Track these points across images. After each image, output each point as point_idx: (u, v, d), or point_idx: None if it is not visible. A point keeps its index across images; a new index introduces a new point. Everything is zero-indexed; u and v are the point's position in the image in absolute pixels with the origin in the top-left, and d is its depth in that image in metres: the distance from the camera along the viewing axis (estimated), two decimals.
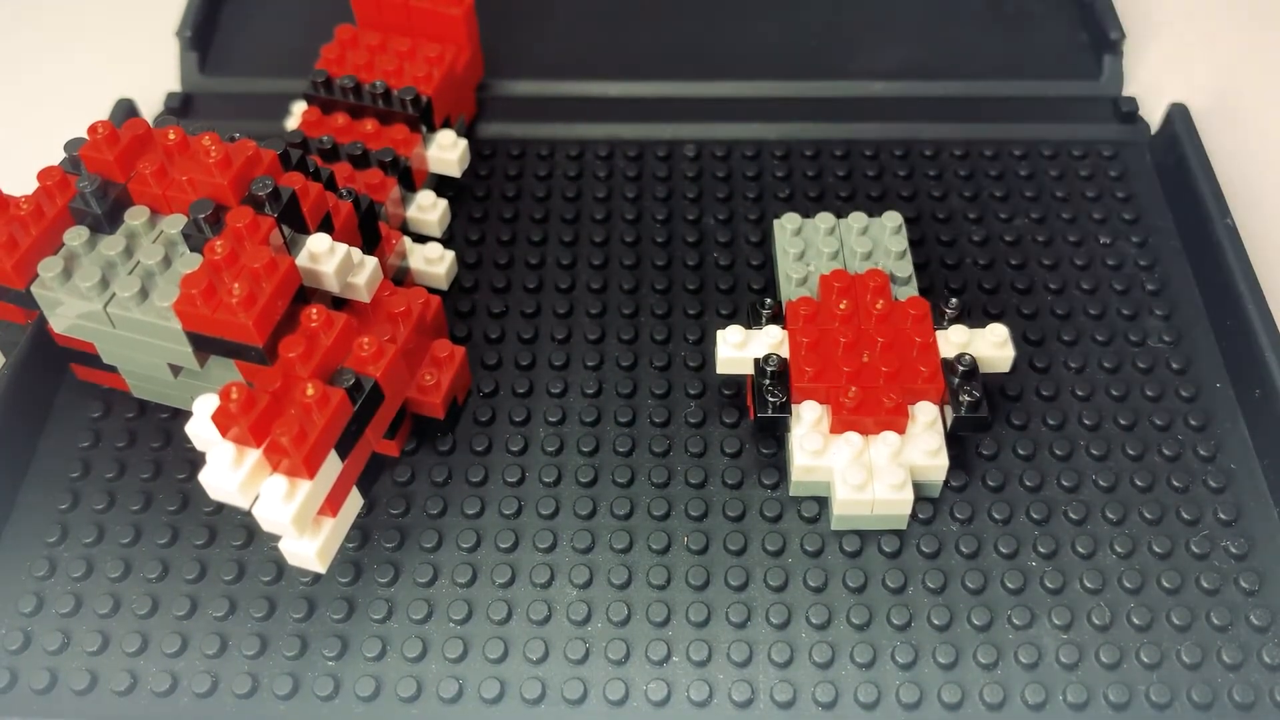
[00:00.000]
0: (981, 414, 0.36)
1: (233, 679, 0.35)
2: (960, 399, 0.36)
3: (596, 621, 0.36)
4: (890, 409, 0.36)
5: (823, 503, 0.38)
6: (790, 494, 0.38)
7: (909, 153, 0.49)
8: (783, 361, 0.37)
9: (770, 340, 0.38)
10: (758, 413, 0.37)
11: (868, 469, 0.36)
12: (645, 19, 0.55)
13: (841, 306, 0.38)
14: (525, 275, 0.45)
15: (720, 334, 0.38)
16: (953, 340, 0.38)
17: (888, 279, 0.39)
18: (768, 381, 0.37)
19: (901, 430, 0.37)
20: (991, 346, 0.38)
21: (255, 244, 0.33)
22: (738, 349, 0.38)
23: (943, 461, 0.36)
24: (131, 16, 0.56)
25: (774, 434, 0.39)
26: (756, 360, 0.38)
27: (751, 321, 0.39)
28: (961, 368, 0.37)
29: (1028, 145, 0.49)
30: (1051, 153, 0.48)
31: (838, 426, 0.37)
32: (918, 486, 0.37)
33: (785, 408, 0.37)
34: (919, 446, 0.36)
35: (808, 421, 0.37)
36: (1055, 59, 0.52)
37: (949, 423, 0.37)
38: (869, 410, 0.36)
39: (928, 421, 0.37)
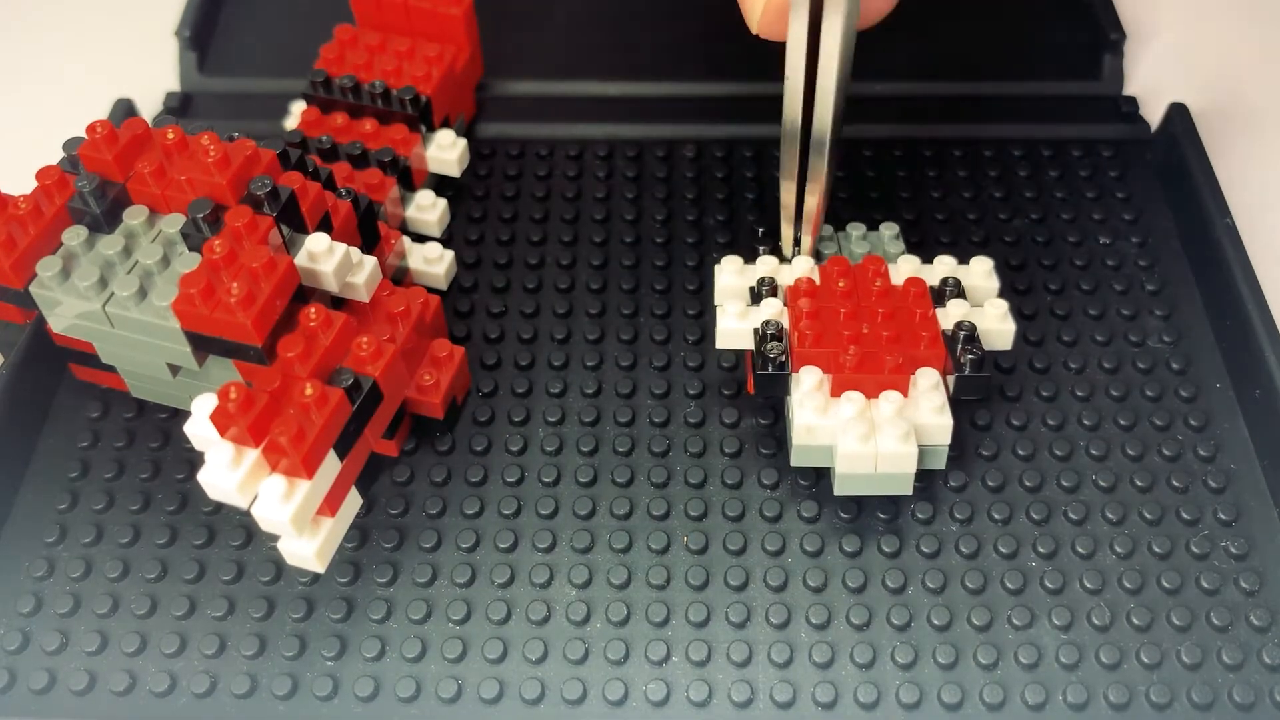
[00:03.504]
0: (985, 373, 0.35)
1: (232, 679, 0.35)
2: (962, 361, 0.36)
3: (596, 621, 0.36)
4: (892, 368, 0.35)
5: (823, 503, 0.38)
6: (791, 464, 0.37)
7: (909, 153, 0.49)
8: (782, 328, 0.37)
9: (771, 312, 0.37)
10: (757, 370, 0.36)
11: (870, 423, 0.35)
12: (645, 19, 0.54)
13: (841, 284, 0.37)
14: (524, 275, 0.45)
15: (721, 307, 0.38)
16: (952, 314, 0.37)
17: (886, 264, 0.38)
18: (768, 342, 0.36)
19: (904, 391, 0.36)
20: (993, 320, 0.38)
21: (254, 243, 0.33)
22: (739, 319, 0.38)
23: (947, 421, 0.35)
24: (131, 16, 0.56)
25: (775, 395, 0.38)
26: (756, 329, 0.37)
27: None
28: (962, 333, 0.36)
29: (1028, 145, 0.49)
30: (1051, 153, 0.48)
31: (838, 389, 0.36)
32: (922, 452, 0.36)
33: (785, 366, 0.36)
34: (923, 405, 0.35)
35: (808, 385, 0.36)
36: (1055, 59, 0.52)
37: (953, 386, 0.36)
38: (870, 369, 0.35)
39: (930, 384, 0.36)
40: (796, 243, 0.40)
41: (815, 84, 0.36)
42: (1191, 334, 0.43)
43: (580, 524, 0.38)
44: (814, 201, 0.38)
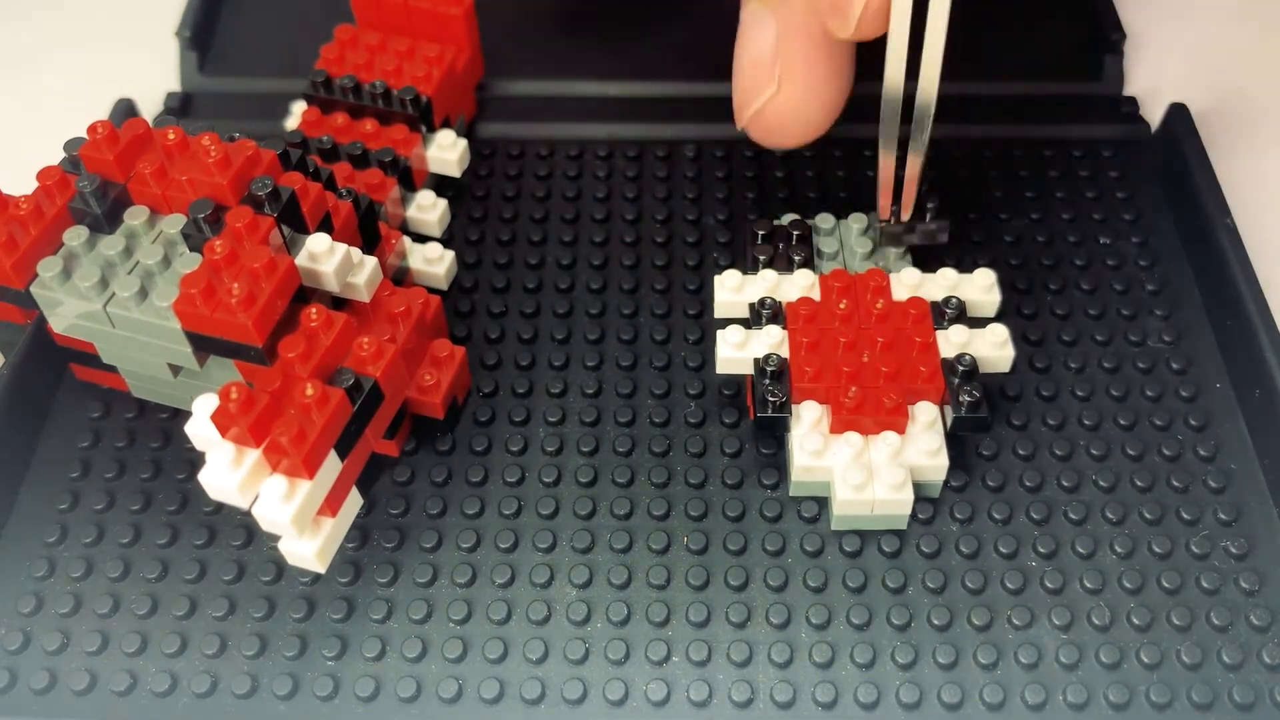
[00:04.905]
0: (981, 414, 0.36)
1: (232, 679, 0.35)
2: (960, 399, 0.36)
3: (596, 621, 0.36)
4: (890, 409, 0.36)
5: (822, 502, 0.38)
6: (790, 494, 0.38)
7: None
8: (782, 361, 0.37)
9: (770, 340, 0.38)
10: (758, 413, 0.37)
11: (867, 469, 0.36)
12: (645, 19, 0.54)
13: (841, 306, 0.38)
14: (525, 275, 0.45)
15: (720, 334, 0.38)
16: (953, 340, 0.38)
17: (888, 278, 0.39)
18: (767, 381, 0.37)
19: (901, 430, 0.37)
20: (991, 346, 0.38)
21: (255, 244, 0.33)
22: (738, 349, 0.38)
23: (942, 462, 0.36)
24: (131, 16, 0.56)
25: (774, 434, 0.39)
26: (756, 360, 0.38)
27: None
28: (961, 368, 0.37)
29: (1028, 145, 0.49)
30: (1051, 153, 0.48)
31: (838, 426, 0.37)
32: (918, 487, 0.37)
33: (785, 408, 0.37)
34: (919, 447, 0.36)
35: (807, 422, 0.37)
36: (1055, 59, 0.52)
37: (949, 423, 0.37)
38: (869, 410, 0.36)
39: (927, 422, 0.37)
40: (893, 211, 0.41)
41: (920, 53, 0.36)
42: (1191, 334, 0.43)
43: (580, 524, 0.38)
44: (915, 169, 0.39)
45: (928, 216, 0.41)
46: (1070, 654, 0.35)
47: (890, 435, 0.36)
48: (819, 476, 0.37)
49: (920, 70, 0.36)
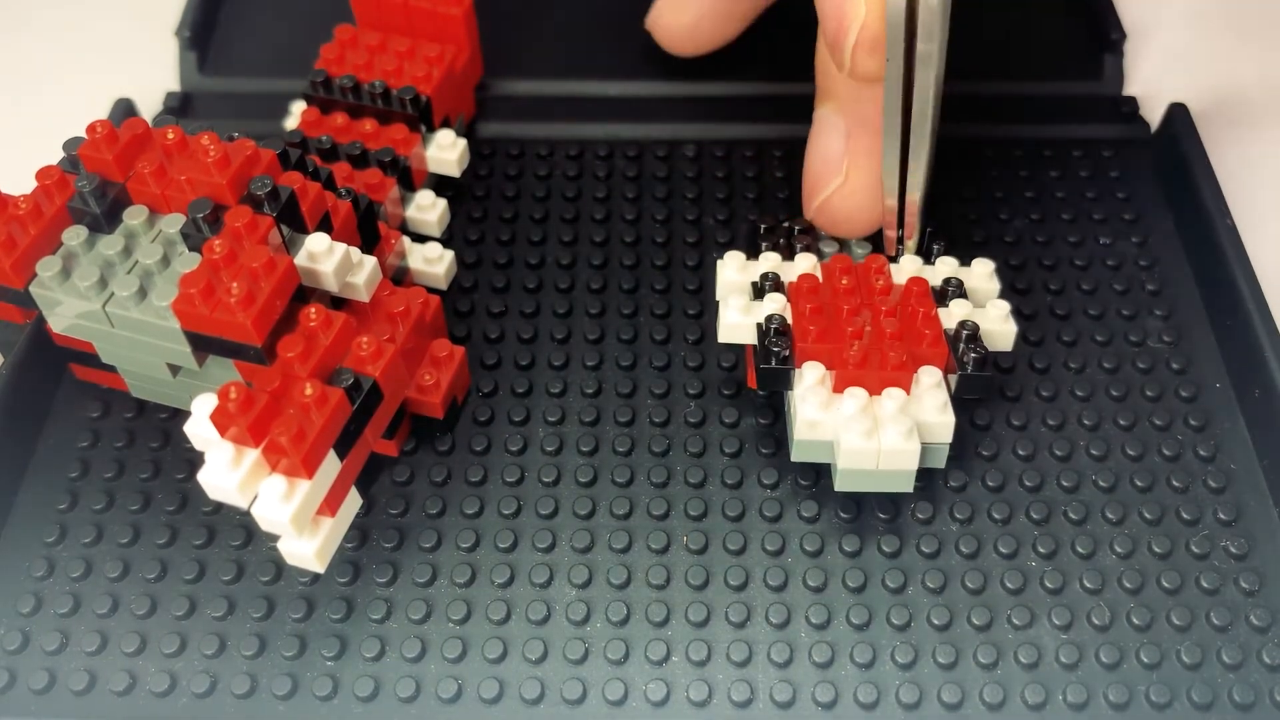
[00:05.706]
0: (987, 372, 0.36)
1: (231, 679, 0.35)
2: (964, 360, 0.36)
3: (596, 621, 0.36)
4: (895, 365, 0.35)
5: (823, 503, 0.38)
6: (792, 459, 0.37)
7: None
8: (786, 324, 0.37)
9: (774, 306, 0.37)
10: (760, 364, 0.36)
11: (873, 420, 0.35)
12: (645, 19, 0.54)
13: (844, 282, 0.37)
14: (525, 275, 0.45)
15: (723, 300, 0.38)
16: (954, 314, 0.37)
17: (887, 262, 0.39)
18: (771, 337, 0.36)
19: (907, 388, 0.36)
20: (994, 321, 0.38)
21: (254, 243, 0.33)
22: (743, 313, 0.37)
23: (949, 419, 0.36)
24: (131, 16, 0.56)
25: (777, 389, 0.38)
26: (759, 324, 0.37)
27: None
28: (965, 332, 0.36)
29: (1027, 145, 0.49)
30: (1051, 153, 0.48)
31: (840, 386, 0.36)
32: (924, 450, 0.36)
33: (789, 361, 0.36)
34: (925, 403, 0.36)
35: (811, 380, 0.36)
36: (1055, 59, 0.52)
37: (954, 385, 0.36)
38: (874, 366, 0.36)
39: (933, 382, 0.36)
40: (899, 250, 0.40)
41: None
42: (1191, 334, 0.43)
43: (580, 524, 0.38)
44: (916, 195, 0.38)
45: (934, 257, 0.40)
46: (1070, 654, 0.35)
47: (895, 391, 0.35)
48: (823, 434, 0.36)
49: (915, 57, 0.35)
